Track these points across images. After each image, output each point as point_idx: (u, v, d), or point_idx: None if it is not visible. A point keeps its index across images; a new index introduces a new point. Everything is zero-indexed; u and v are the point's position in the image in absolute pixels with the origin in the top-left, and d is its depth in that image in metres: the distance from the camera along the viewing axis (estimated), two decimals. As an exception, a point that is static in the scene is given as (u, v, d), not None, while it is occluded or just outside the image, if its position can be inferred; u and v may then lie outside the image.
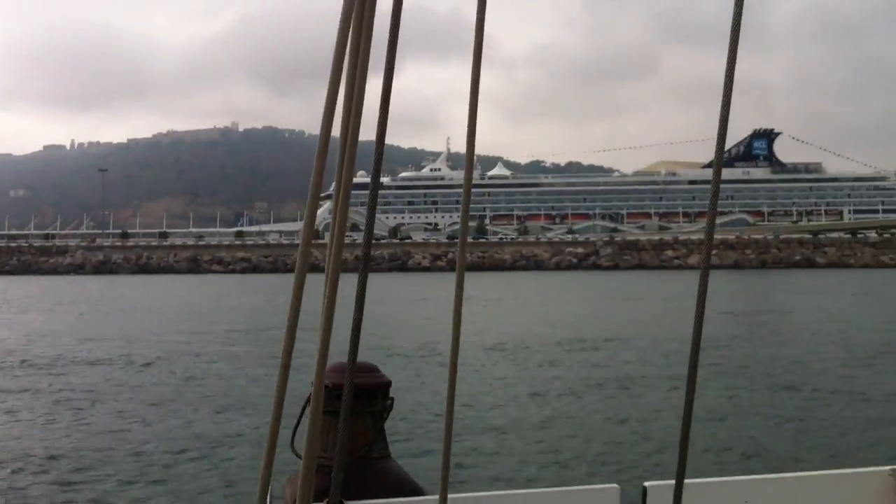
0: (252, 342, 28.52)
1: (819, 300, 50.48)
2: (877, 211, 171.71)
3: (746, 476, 2.90)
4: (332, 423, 2.61)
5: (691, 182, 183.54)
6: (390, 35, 1.59)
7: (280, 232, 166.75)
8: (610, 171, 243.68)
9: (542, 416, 16.53)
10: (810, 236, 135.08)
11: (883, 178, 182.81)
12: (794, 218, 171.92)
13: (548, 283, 79.68)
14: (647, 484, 2.45)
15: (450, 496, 1.98)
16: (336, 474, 1.74)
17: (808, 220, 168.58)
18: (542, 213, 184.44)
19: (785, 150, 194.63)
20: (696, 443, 14.08)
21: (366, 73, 1.61)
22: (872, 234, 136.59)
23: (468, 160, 1.79)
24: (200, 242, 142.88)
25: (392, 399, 3.13)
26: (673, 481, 1.85)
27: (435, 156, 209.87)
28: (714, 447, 14.02)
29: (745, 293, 60.98)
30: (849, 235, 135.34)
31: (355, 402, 2.81)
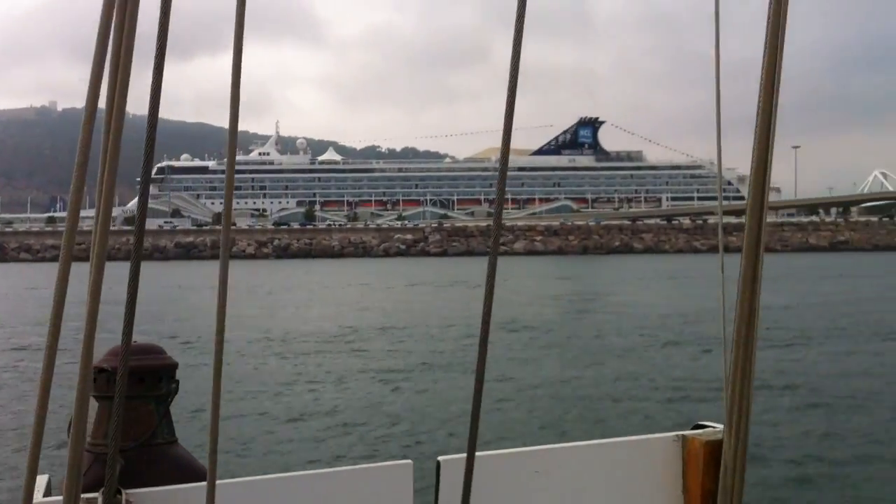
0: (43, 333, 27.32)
1: (628, 285, 53.50)
2: (692, 198, 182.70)
3: (537, 447, 2.90)
4: (111, 408, 2.41)
5: (520, 169, 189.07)
6: (160, 22, 1.56)
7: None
8: (443, 156, 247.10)
9: (340, 401, 17.09)
10: (629, 223, 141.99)
11: (699, 167, 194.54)
12: (616, 205, 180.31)
13: (369, 271, 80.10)
14: (440, 458, 2.48)
15: (220, 482, 1.92)
16: (110, 462, 1.66)
17: (629, 207, 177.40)
18: (374, 199, 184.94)
19: (609, 139, 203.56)
20: (497, 418, 15.02)
21: (130, 53, 1.58)
22: (686, 221, 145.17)
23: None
24: (8, 229, 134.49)
25: (177, 382, 2.95)
26: (465, 455, 1.96)
27: (265, 139, 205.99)
28: (515, 421, 15.05)
29: (565, 278, 63.65)
30: (665, 222, 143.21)
31: (138, 385, 2.75)
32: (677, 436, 2.80)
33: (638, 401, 16.94)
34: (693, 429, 2.80)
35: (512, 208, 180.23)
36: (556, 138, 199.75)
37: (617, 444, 2.89)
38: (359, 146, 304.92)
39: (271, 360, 22.83)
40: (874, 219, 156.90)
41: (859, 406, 16.01)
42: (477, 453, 2.01)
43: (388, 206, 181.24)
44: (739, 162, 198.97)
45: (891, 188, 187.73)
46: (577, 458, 2.78)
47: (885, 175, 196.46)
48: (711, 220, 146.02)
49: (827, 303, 38.38)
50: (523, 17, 1.83)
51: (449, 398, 16.90)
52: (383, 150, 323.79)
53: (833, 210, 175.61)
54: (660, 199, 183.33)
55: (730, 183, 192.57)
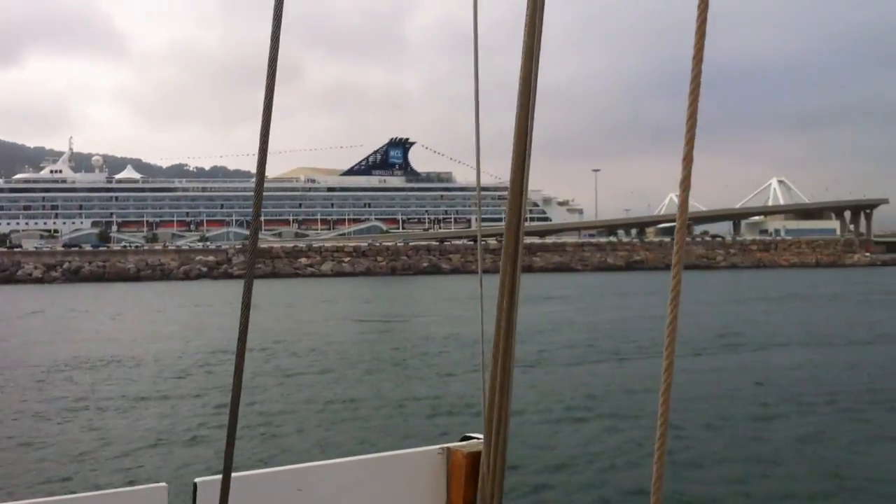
0: None
1: (433, 305, 54.65)
2: (500, 219, 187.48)
3: (299, 465, 2.87)
4: None
5: (330, 189, 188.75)
6: None
7: None
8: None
9: (97, 425, 16.62)
10: (437, 243, 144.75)
11: (506, 188, 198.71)
12: (426, 226, 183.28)
13: (156, 294, 77.49)
14: (197, 480, 2.43)
15: None
16: None
17: (438, 228, 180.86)
18: (175, 219, 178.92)
19: (420, 159, 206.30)
20: (265, 438, 15.20)
21: None
22: (493, 241, 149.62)
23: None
24: None
25: None
26: (220, 476, 1.90)
27: (59, 156, 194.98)
28: (283, 440, 15.25)
29: (371, 299, 64.07)
30: (472, 242, 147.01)
31: None
32: (442, 448, 2.91)
33: (417, 416, 17.46)
34: (461, 441, 2.93)
35: (321, 229, 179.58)
36: (367, 158, 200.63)
37: (381, 459, 2.95)
38: (165, 164, 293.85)
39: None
40: (667, 239, 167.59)
41: (616, 420, 17.17)
42: (235, 474, 2.05)
43: (191, 227, 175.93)
44: (545, 184, 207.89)
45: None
46: (340, 475, 2.84)
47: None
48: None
49: (596, 322, 40.77)
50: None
51: (207, 420, 16.82)
52: (191, 168, 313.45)
53: (633, 231, 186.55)
54: (469, 220, 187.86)
55: (536, 204, 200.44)
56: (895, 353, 27.48)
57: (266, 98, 2.05)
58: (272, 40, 2.06)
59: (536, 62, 2.29)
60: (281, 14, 2.02)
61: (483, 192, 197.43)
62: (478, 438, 2.82)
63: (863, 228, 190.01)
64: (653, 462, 2.06)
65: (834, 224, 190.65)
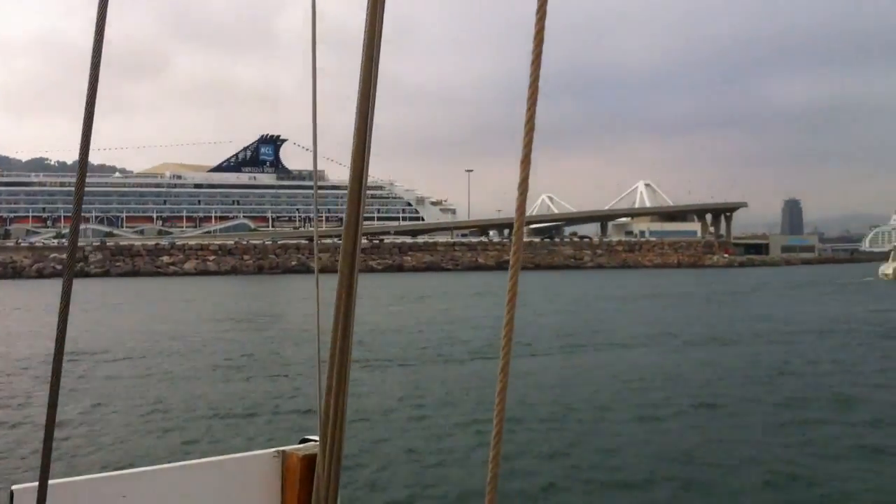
0: None
1: (295, 304, 54.24)
2: (373, 218, 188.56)
3: (124, 471, 2.71)
4: None
5: (197, 185, 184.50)
6: None
7: None
8: (114, 170, 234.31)
9: None
10: (306, 242, 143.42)
11: (379, 187, 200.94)
12: (297, 224, 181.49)
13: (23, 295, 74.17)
14: (13, 488, 2.28)
15: None
16: None
17: (309, 226, 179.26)
18: (31, 215, 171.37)
19: (292, 157, 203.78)
20: (93, 442, 14.68)
21: None
22: (364, 241, 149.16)
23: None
24: None
25: None
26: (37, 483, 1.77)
27: None
28: (113, 445, 14.67)
29: (233, 298, 62.95)
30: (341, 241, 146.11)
31: None
32: (277, 452, 2.83)
33: (261, 418, 17.14)
34: (299, 443, 2.86)
35: (187, 227, 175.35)
36: (237, 155, 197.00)
37: (213, 464, 2.83)
38: (24, 158, 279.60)
39: None
40: (537, 240, 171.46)
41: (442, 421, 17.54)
42: (54, 480, 1.97)
43: (48, 224, 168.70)
44: (420, 184, 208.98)
45: (556, 211, 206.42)
46: (168, 481, 2.70)
47: (551, 199, 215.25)
48: (387, 239, 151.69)
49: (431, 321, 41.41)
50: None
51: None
52: (53, 162, 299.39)
53: (505, 231, 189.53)
54: (341, 219, 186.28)
55: (409, 204, 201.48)
56: (725, 352, 28.97)
57: (89, 90, 1.99)
58: (96, 32, 1.99)
59: (377, 60, 2.29)
60: (106, 4, 1.97)
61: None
62: (314, 441, 2.76)
63: (723, 231, 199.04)
64: (488, 461, 2.07)
65: (696, 226, 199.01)
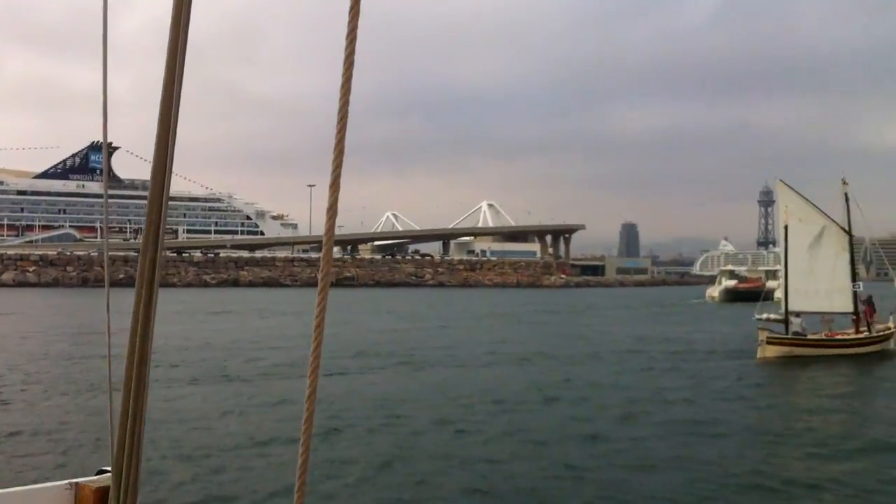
0: None
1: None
2: (210, 231, 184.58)
3: None
4: None
5: (20, 192, 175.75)
6: None
7: None
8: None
9: None
10: (135, 254, 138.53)
11: (217, 200, 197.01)
12: (128, 235, 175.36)
13: None
14: None
15: None
16: None
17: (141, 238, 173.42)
18: None
19: (125, 166, 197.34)
20: None
21: None
22: (198, 254, 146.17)
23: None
24: None
25: None
26: None
27: None
28: None
29: (51, 313, 60.49)
30: (175, 254, 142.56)
31: None
32: (70, 484, 2.61)
33: (60, 446, 16.08)
34: (96, 474, 2.68)
35: (8, 235, 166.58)
36: (65, 161, 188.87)
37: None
38: None
39: None
40: (378, 257, 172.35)
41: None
42: None
43: None
44: (262, 198, 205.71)
45: (400, 228, 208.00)
46: None
47: (395, 216, 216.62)
48: (223, 253, 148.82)
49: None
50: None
51: None
52: None
53: (349, 248, 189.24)
54: (176, 231, 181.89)
55: (249, 217, 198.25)
56: (530, 369, 30.42)
57: None
58: None
59: (180, 72, 2.19)
60: None
61: (192, 203, 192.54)
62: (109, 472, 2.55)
63: (562, 252, 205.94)
64: (295, 478, 2.09)
65: (536, 247, 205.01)
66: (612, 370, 29.31)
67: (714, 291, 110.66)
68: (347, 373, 27.26)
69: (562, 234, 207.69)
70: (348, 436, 16.99)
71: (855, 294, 35.00)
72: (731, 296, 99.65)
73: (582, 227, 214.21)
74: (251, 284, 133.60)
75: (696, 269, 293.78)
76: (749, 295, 77.10)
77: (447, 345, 37.73)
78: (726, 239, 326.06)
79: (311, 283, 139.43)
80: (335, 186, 2.05)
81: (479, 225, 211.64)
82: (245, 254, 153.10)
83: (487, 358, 32.59)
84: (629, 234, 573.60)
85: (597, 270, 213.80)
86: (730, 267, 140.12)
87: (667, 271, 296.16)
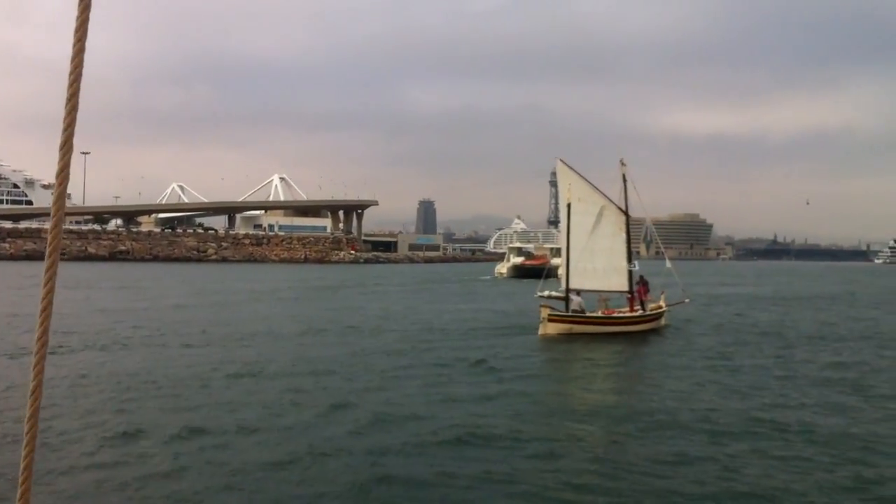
0: None
1: None
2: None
3: None
4: None
5: None
6: None
7: None
8: None
9: None
10: None
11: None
12: None
13: None
14: None
15: None
16: None
17: None
18: None
19: None
20: None
21: None
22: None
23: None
24: None
25: None
26: None
27: None
28: None
29: None
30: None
31: None
32: None
33: None
34: None
35: None
36: None
37: None
38: None
39: None
40: (157, 230, 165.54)
41: None
42: None
43: None
44: (35, 166, 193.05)
45: (187, 200, 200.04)
46: None
47: (182, 188, 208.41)
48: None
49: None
50: None
51: None
52: None
53: (126, 220, 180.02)
54: None
55: (16, 186, 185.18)
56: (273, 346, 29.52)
57: None
58: None
59: None
60: None
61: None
62: None
63: (354, 228, 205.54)
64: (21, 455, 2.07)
65: (328, 222, 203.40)
66: (357, 347, 28.98)
67: (502, 268, 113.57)
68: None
69: (354, 209, 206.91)
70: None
71: (630, 273, 36.27)
72: (519, 272, 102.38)
73: (375, 202, 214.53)
74: (12, 258, 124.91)
75: (490, 247, 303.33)
76: (536, 271, 78.92)
77: (183, 322, 36.35)
78: (519, 217, 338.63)
79: (83, 258, 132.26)
80: (66, 149, 1.94)
81: (271, 199, 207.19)
82: (7, 224, 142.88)
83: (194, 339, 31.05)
84: (427, 212, 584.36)
85: (389, 247, 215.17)
86: (518, 244, 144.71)
87: (462, 248, 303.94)
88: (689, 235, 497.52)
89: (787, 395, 20.56)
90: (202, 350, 27.70)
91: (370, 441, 15.15)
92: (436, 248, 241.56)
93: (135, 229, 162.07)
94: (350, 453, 14.28)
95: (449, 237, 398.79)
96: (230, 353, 26.93)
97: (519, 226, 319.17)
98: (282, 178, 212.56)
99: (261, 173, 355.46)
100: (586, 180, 36.23)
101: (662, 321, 37.12)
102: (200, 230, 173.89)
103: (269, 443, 14.92)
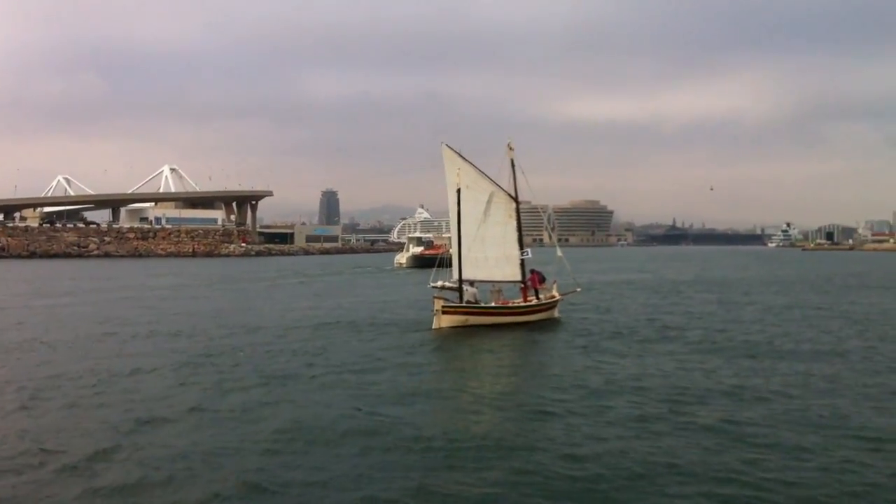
0: None
1: None
2: None
3: None
4: None
5: None
6: None
7: None
8: None
9: None
10: None
11: None
12: None
13: None
14: None
15: None
16: None
17: None
18: None
19: None
20: None
21: None
22: None
23: None
24: None
25: None
26: None
27: None
28: None
29: None
30: None
31: None
32: None
33: None
34: None
35: None
36: None
37: None
38: None
39: None
40: (35, 225, 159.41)
41: None
42: None
43: None
44: None
45: (73, 193, 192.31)
46: None
47: (68, 181, 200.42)
48: None
49: None
50: None
51: None
52: None
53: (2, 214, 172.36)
54: None
55: None
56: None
57: None
58: None
59: None
60: None
61: None
62: None
63: (249, 219, 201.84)
64: None
65: (220, 214, 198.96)
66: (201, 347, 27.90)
67: (402, 258, 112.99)
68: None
69: (248, 200, 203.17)
70: None
71: (522, 262, 35.69)
72: (419, 262, 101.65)
73: (269, 193, 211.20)
74: None
75: (393, 237, 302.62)
76: (434, 261, 78.30)
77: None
78: (422, 206, 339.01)
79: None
80: None
81: (161, 191, 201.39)
82: None
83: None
84: (330, 202, 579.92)
85: (286, 238, 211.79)
86: (417, 234, 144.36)
87: (365, 238, 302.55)
88: (591, 222, 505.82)
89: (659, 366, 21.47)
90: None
91: (235, 444, 14.91)
92: (334, 239, 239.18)
93: (10, 224, 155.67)
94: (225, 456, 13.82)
95: (352, 227, 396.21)
96: None
97: (422, 215, 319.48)
98: (172, 170, 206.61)
99: (152, 165, 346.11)
100: (474, 166, 35.23)
101: (556, 312, 36.69)
102: (82, 225, 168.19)
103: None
